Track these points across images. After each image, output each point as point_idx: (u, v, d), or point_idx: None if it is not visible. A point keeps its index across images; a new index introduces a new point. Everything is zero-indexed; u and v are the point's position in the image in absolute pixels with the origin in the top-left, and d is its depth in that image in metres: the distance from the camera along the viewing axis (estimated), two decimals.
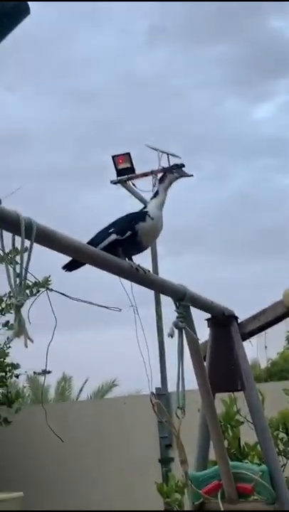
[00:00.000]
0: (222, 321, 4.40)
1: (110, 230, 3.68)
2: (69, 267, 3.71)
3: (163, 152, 11.50)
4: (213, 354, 4.41)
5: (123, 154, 11.54)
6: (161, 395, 10.25)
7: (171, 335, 3.83)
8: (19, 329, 2.65)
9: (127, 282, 3.73)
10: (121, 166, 11.52)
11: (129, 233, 3.64)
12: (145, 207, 3.80)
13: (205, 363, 4.40)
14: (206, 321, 4.51)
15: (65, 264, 3.72)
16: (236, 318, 4.48)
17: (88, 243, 3.62)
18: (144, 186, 12.12)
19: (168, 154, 11.53)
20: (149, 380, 3.68)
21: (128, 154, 11.60)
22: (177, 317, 3.92)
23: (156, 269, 11.53)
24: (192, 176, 3.86)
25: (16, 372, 9.76)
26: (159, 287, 3.76)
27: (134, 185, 11.96)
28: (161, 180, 3.85)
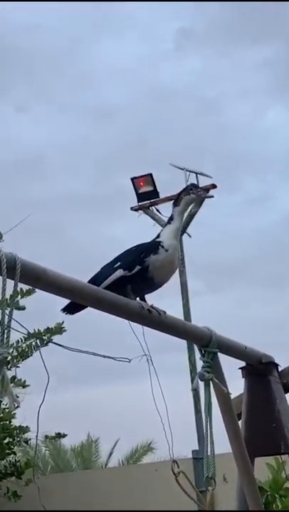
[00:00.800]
0: (259, 369, 4.26)
1: (116, 265, 3.58)
2: (69, 309, 3.62)
3: (191, 171, 11.46)
4: (249, 410, 4.27)
5: (144, 176, 11.50)
6: (198, 459, 10.01)
7: (195, 388, 3.70)
8: (2, 388, 2.55)
9: (139, 326, 3.62)
10: (142, 190, 11.48)
11: (138, 268, 3.52)
12: (158, 236, 3.71)
13: (240, 422, 4.25)
14: (240, 371, 4.38)
15: (64, 307, 3.64)
16: (276, 365, 4.34)
17: (90, 280, 3.54)
18: (170, 212, 12.05)
19: (196, 174, 11.49)
20: (169, 445, 3.55)
21: (150, 176, 11.54)
22: (203, 366, 3.80)
23: (187, 309, 11.40)
24: (212, 197, 3.76)
25: (24, 436, 9.63)
26: (179, 332, 3.64)
27: (158, 211, 11.92)
28: (175, 203, 3.74)
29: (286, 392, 4.37)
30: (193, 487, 3.73)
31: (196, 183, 11.86)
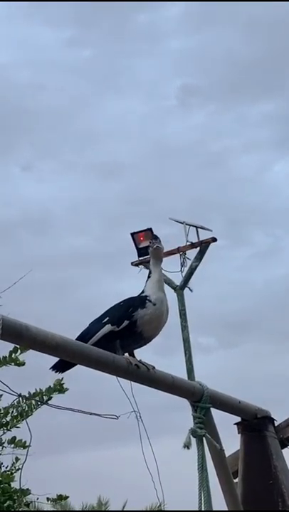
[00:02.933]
0: (254, 424, 4.24)
1: (104, 320, 3.60)
2: (58, 367, 3.64)
3: (190, 225, 11.53)
4: (245, 467, 4.24)
5: (144, 230, 11.56)
6: None
7: (187, 445, 3.68)
8: None
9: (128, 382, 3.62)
10: (142, 244, 11.52)
11: (126, 323, 3.54)
12: (143, 291, 3.73)
13: (236, 480, 4.21)
14: (235, 426, 4.35)
15: (53, 365, 3.64)
16: (272, 420, 4.31)
17: (79, 337, 3.55)
18: (171, 266, 12.07)
19: (196, 227, 11.56)
20: (161, 503, 3.50)
21: (150, 230, 11.58)
22: (195, 422, 3.78)
23: (191, 365, 11.35)
24: (158, 248, 3.76)
25: (25, 499, 9.50)
26: (168, 387, 3.63)
27: None
28: (144, 255, 3.76)
29: (283, 448, 4.34)
30: None
31: (196, 236, 11.94)
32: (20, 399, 9.50)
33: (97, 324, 3.61)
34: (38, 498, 10.28)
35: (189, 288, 12.00)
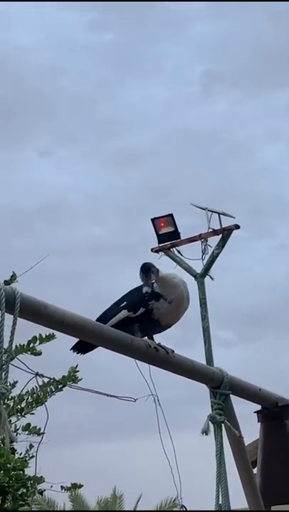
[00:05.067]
0: (275, 413, 4.23)
1: (121, 305, 3.63)
2: (79, 348, 3.66)
3: (213, 212, 11.50)
4: (265, 456, 4.23)
5: (165, 216, 11.57)
6: None
7: (205, 431, 3.67)
8: None
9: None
10: (163, 231, 11.54)
11: (142, 310, 3.57)
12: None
13: (255, 469, 4.21)
14: (255, 415, 4.35)
15: (73, 345, 3.68)
16: None
17: (99, 318, 3.57)
18: (192, 253, 12.03)
19: (219, 214, 11.52)
20: (178, 493, 3.51)
21: (171, 216, 11.61)
22: (214, 409, 3.78)
23: (210, 355, 11.34)
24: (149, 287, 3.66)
25: (39, 487, 9.54)
26: (188, 371, 3.64)
27: (179, 252, 11.94)
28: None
29: None
30: None
31: (218, 223, 11.87)
32: (36, 384, 9.49)
33: (115, 308, 3.64)
34: (51, 486, 10.31)
35: (210, 276, 11.97)
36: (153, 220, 11.63)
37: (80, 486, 10.05)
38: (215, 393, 3.81)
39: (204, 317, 11.68)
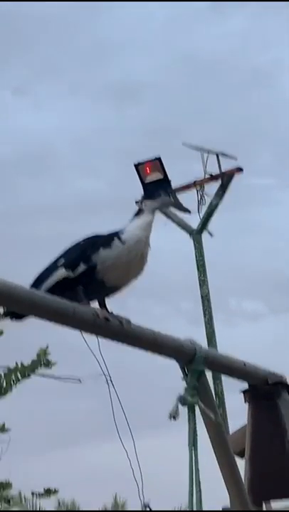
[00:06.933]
0: (265, 391, 4.25)
1: (60, 263, 3.39)
2: (12, 313, 3.44)
3: (210, 152, 11.45)
4: (254, 443, 4.17)
5: (151, 161, 11.45)
6: None
7: (173, 415, 3.70)
8: None
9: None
10: (149, 178, 11.42)
11: (83, 267, 3.34)
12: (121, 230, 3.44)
13: (244, 458, 4.27)
14: (242, 395, 4.40)
15: (5, 311, 3.43)
16: (287, 386, 4.35)
17: (34, 283, 3.32)
18: (187, 205, 12.06)
19: (218, 155, 11.48)
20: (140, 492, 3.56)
21: (158, 160, 11.37)
22: (185, 389, 3.80)
23: (211, 329, 11.42)
24: (189, 212, 3.76)
25: (7, 494, 9.70)
26: (149, 345, 3.64)
27: None
28: (151, 196, 3.65)
29: None
30: None
31: (218, 166, 11.83)
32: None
33: (52, 267, 3.39)
34: (20, 492, 10.50)
35: (209, 232, 11.96)
36: (137, 165, 11.47)
37: (55, 492, 10.23)
38: (186, 370, 3.85)
39: (203, 282, 11.69)
